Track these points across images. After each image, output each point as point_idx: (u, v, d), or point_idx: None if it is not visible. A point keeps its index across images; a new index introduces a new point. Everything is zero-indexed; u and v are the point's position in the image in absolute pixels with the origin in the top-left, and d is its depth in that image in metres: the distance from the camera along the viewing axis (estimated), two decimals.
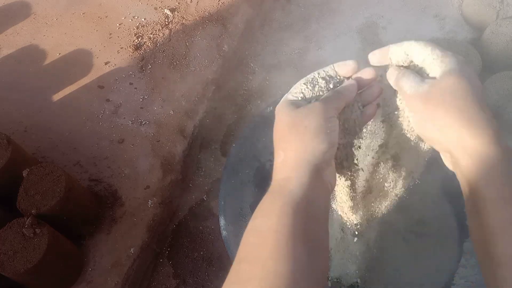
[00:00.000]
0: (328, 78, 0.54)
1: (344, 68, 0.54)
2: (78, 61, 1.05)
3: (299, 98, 0.52)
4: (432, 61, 0.48)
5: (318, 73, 0.54)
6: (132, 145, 0.93)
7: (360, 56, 1.22)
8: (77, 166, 0.90)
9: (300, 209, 0.44)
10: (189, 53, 1.08)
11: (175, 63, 1.06)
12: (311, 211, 0.45)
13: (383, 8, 1.32)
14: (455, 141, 0.45)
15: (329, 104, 0.49)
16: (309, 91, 0.53)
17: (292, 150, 0.47)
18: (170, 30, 1.11)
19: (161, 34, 1.10)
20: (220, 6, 1.17)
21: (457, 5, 1.31)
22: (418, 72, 0.50)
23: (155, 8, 1.15)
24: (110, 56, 1.05)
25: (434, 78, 0.48)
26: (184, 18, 1.14)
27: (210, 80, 1.06)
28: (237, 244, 0.75)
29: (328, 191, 0.48)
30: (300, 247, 0.41)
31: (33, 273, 0.68)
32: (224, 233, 0.75)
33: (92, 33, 1.10)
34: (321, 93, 0.52)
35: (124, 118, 0.97)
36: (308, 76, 0.53)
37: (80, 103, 0.98)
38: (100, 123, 0.95)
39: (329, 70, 0.54)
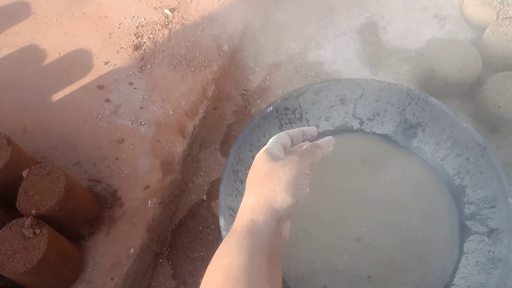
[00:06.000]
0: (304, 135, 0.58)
1: (309, 133, 0.58)
2: (78, 61, 1.04)
3: (279, 151, 0.54)
4: None
5: (300, 129, 0.58)
6: (132, 145, 0.93)
7: (360, 56, 1.22)
8: (76, 166, 0.90)
9: (266, 251, 0.47)
10: (189, 53, 1.08)
11: (175, 63, 1.06)
12: (274, 255, 0.48)
13: (383, 8, 1.32)
14: None
15: (306, 160, 0.52)
16: (289, 144, 0.56)
17: (263, 196, 0.50)
18: (170, 30, 1.11)
19: (161, 34, 1.10)
20: (220, 6, 1.17)
21: (457, 5, 1.31)
22: None
23: (155, 8, 1.15)
24: (110, 56, 1.05)
25: None
26: (184, 18, 1.14)
27: (210, 80, 1.06)
28: None
29: (283, 242, 0.51)
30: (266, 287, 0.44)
31: (32, 273, 0.68)
32: (224, 233, 0.75)
33: (92, 33, 1.09)
34: (298, 148, 0.56)
35: (124, 118, 0.97)
36: (289, 131, 0.57)
37: (80, 103, 0.98)
38: (100, 123, 0.95)
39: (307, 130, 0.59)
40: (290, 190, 0.49)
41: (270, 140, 0.54)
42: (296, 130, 0.56)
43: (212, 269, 0.47)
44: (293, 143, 0.55)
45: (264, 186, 0.50)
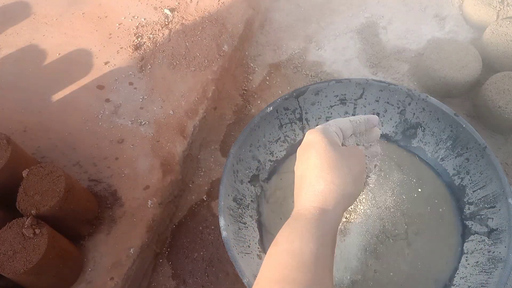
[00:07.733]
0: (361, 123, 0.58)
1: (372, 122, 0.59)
2: (78, 61, 1.05)
3: (337, 136, 0.54)
4: None
5: (364, 118, 0.59)
6: (132, 145, 0.93)
7: (359, 56, 1.22)
8: (76, 166, 0.90)
9: (333, 242, 0.47)
10: (189, 53, 1.08)
11: (175, 63, 1.06)
12: (334, 247, 0.49)
13: (383, 8, 1.32)
14: None
15: (365, 154, 0.54)
16: (349, 131, 0.57)
17: (334, 184, 0.49)
18: (170, 30, 1.11)
19: (160, 34, 1.10)
20: (220, 6, 1.17)
21: (457, 5, 1.31)
22: None
23: (155, 8, 1.15)
24: (110, 56, 1.05)
25: None
26: (184, 18, 1.14)
27: (210, 80, 1.06)
28: (237, 244, 0.75)
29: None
30: (329, 277, 0.46)
31: (32, 273, 0.68)
32: (224, 233, 0.75)
33: (92, 33, 1.09)
34: (355, 136, 0.57)
35: (124, 118, 0.97)
36: (353, 119, 0.57)
37: (80, 103, 0.98)
38: (100, 123, 0.95)
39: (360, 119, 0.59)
40: (357, 183, 0.50)
41: (330, 122, 0.54)
42: (360, 120, 0.56)
43: (280, 252, 0.46)
44: (353, 133, 0.56)
45: (334, 174, 0.49)
